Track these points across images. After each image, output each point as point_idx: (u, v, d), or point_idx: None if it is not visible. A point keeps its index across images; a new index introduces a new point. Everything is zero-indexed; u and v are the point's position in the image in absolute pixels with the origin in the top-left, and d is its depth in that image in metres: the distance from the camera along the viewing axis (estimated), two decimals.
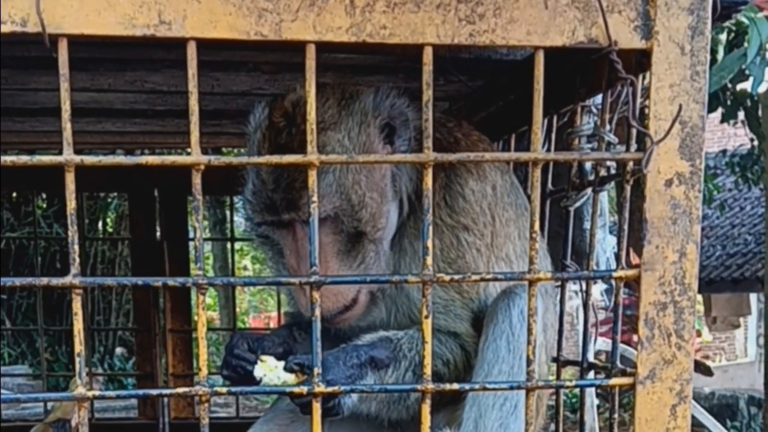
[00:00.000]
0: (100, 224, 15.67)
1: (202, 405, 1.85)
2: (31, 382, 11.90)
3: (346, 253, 2.52)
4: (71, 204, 1.75)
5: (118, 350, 15.83)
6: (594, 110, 2.78)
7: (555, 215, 3.00)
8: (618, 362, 2.19)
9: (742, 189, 17.04)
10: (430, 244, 1.87)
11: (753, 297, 21.62)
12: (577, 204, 2.80)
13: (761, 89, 7.49)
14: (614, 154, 2.33)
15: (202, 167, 1.78)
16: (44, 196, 13.57)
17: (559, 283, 2.92)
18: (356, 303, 2.59)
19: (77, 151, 1.75)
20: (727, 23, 6.25)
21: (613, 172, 2.63)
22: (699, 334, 22.89)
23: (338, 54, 2.78)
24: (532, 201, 1.91)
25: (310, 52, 1.80)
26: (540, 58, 1.87)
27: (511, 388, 2.19)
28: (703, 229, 1.98)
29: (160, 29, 1.76)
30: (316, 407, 1.90)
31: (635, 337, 2.00)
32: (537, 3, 1.85)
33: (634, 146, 2.15)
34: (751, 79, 6.82)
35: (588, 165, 2.96)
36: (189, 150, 1.79)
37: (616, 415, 2.45)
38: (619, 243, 2.20)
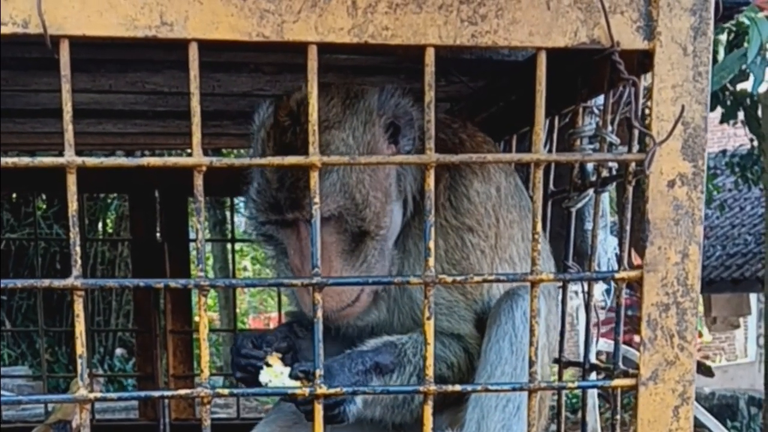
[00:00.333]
0: (100, 225, 15.67)
1: (204, 407, 1.85)
2: (32, 383, 11.89)
3: (349, 253, 2.52)
4: (73, 205, 1.75)
5: (119, 351, 15.83)
6: (596, 111, 2.77)
7: (556, 216, 3.00)
8: (620, 363, 2.19)
9: (742, 189, 17.04)
10: (432, 245, 1.87)
11: (753, 297, 21.63)
12: (579, 205, 2.80)
13: (761, 89, 7.49)
14: (616, 155, 2.32)
15: (204, 169, 1.78)
16: (44, 197, 13.57)
17: (561, 285, 2.91)
18: (358, 300, 2.59)
19: (78, 152, 1.75)
20: (727, 23, 6.25)
21: (614, 173, 2.63)
22: (700, 334, 22.88)
23: (340, 55, 2.78)
24: (534, 202, 1.91)
25: (312, 53, 1.80)
26: (542, 59, 1.87)
27: (514, 389, 2.18)
28: (703, 229, 1.97)
29: (161, 30, 1.76)
30: (318, 409, 1.89)
31: (636, 338, 2.00)
32: (539, 4, 1.85)
33: (636, 147, 2.14)
34: (751, 79, 6.81)
35: (590, 166, 2.96)
36: (190, 151, 1.78)
37: (618, 416, 2.45)
38: (620, 244, 2.19)
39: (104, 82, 3.28)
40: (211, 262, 18.02)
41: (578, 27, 1.87)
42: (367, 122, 2.52)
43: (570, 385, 2.15)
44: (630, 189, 2.11)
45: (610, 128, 2.53)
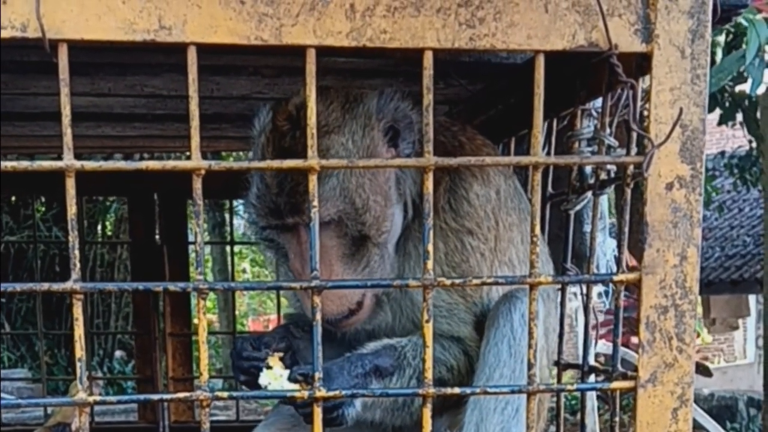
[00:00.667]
0: (99, 228, 15.66)
1: (203, 409, 1.85)
2: (31, 386, 11.86)
3: (350, 257, 2.51)
4: (72, 209, 1.75)
5: (118, 353, 15.81)
6: (594, 114, 2.78)
7: (555, 218, 3.00)
8: (619, 365, 2.19)
9: (741, 190, 17.01)
10: (430, 248, 1.87)
11: (752, 298, 21.62)
12: (578, 207, 2.80)
13: (760, 91, 7.50)
14: (614, 157, 2.33)
15: (203, 172, 1.78)
16: (43, 199, 13.56)
17: (560, 287, 2.92)
18: (361, 307, 2.58)
19: (77, 156, 1.75)
20: (725, 25, 6.25)
21: (613, 175, 2.63)
22: (698, 335, 22.88)
23: (338, 58, 2.78)
24: (533, 204, 1.91)
25: (311, 57, 1.80)
26: (540, 62, 1.87)
27: (513, 392, 2.19)
28: (701, 230, 1.98)
29: (160, 34, 1.76)
30: (318, 412, 1.90)
31: (634, 339, 2.00)
32: (537, 7, 1.85)
33: (634, 150, 2.14)
34: (749, 80, 6.82)
35: (588, 168, 2.96)
36: (188, 154, 1.78)
37: (617, 418, 2.45)
38: (619, 246, 2.20)
39: (103, 85, 3.28)
40: (210, 264, 18.02)
41: (576, 30, 1.87)
42: (366, 126, 2.52)
43: (569, 387, 2.16)
44: (628, 191, 2.11)
45: (608, 131, 2.53)
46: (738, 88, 8.96)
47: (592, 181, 2.69)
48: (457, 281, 2.09)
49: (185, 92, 1.77)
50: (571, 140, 2.73)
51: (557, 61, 2.00)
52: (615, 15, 1.87)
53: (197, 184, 1.78)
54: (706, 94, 1.92)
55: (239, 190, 2.65)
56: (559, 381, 2.90)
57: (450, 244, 2.62)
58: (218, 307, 18.74)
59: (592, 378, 2.70)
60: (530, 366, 1.95)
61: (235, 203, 6.00)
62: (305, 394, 1.92)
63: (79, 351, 1.80)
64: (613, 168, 2.63)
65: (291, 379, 2.35)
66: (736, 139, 17.70)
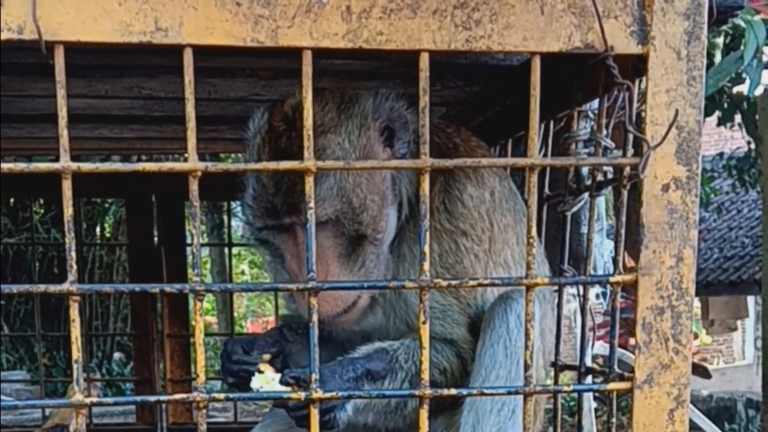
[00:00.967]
0: (97, 229, 15.66)
1: (200, 411, 1.85)
2: (29, 388, 11.86)
3: (346, 257, 2.52)
4: (68, 211, 1.75)
5: (116, 355, 15.80)
6: (591, 115, 2.78)
7: (552, 220, 3.00)
8: (615, 366, 2.19)
9: (739, 192, 17.00)
10: (427, 249, 1.87)
11: (750, 300, 21.61)
12: (575, 209, 2.81)
13: (758, 92, 7.50)
14: (611, 159, 2.33)
15: (199, 174, 1.78)
16: (41, 201, 13.56)
17: (557, 289, 2.92)
18: (355, 306, 2.59)
19: (74, 158, 1.75)
20: (723, 27, 6.26)
21: (610, 176, 2.64)
22: (696, 336, 22.89)
23: (335, 60, 2.78)
24: (529, 206, 1.92)
25: (307, 59, 1.81)
26: (536, 64, 1.87)
27: (509, 393, 2.18)
28: (700, 232, 1.98)
29: (156, 36, 1.76)
30: (314, 413, 1.90)
31: (632, 341, 2.00)
32: (533, 9, 1.85)
33: (630, 151, 2.14)
34: (747, 81, 6.81)
35: (585, 170, 2.96)
36: (186, 155, 1.79)
37: (614, 419, 2.45)
38: (616, 247, 2.20)
39: (100, 87, 3.28)
40: (208, 266, 18.01)
41: (572, 32, 1.87)
42: (362, 126, 2.52)
43: (565, 388, 2.16)
44: (625, 193, 2.11)
45: (604, 132, 2.54)
46: (736, 90, 8.96)
47: (588, 182, 2.69)
48: (454, 282, 2.09)
49: (182, 94, 1.77)
50: (567, 142, 2.73)
51: (554, 62, 2.01)
52: (611, 17, 1.88)
53: (194, 186, 1.79)
54: (701, 96, 1.92)
55: (237, 192, 2.65)
56: (556, 382, 2.90)
57: (444, 245, 2.62)
58: (217, 309, 18.73)
59: (589, 379, 2.70)
60: (527, 367, 1.95)
61: (233, 205, 6.00)
62: (302, 395, 1.92)
63: (76, 352, 1.80)
64: (609, 169, 2.63)
65: (282, 382, 2.35)
66: (734, 140, 17.68)
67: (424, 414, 1.92)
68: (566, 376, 3.08)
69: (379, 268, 2.58)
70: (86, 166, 1.76)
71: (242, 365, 2.55)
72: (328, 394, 1.94)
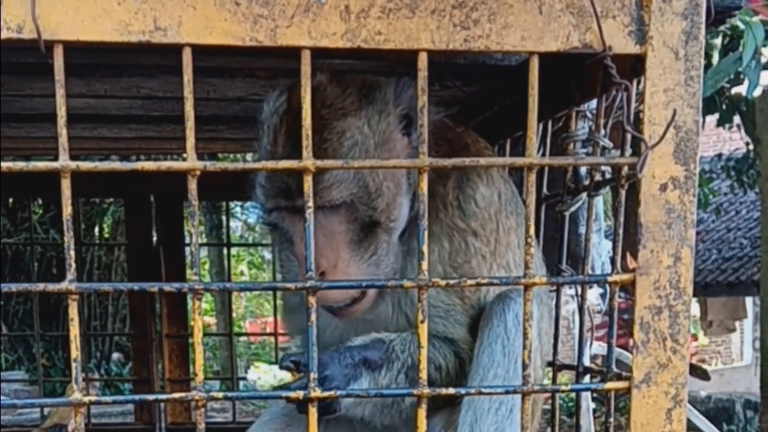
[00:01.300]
0: (96, 230, 15.66)
1: (199, 410, 1.85)
2: (28, 388, 11.86)
3: (358, 243, 2.50)
4: (67, 210, 1.75)
5: (115, 356, 15.82)
6: (589, 115, 2.78)
7: (550, 220, 3.01)
8: (613, 366, 2.19)
9: (738, 193, 17.00)
10: (425, 248, 1.87)
11: (749, 301, 21.62)
12: (573, 209, 2.81)
13: (757, 93, 7.51)
14: (609, 158, 2.33)
15: (198, 173, 1.78)
16: (40, 201, 13.56)
17: (555, 288, 2.92)
18: (365, 295, 2.57)
19: (73, 157, 1.75)
20: (722, 27, 6.26)
21: (608, 176, 2.64)
22: (695, 337, 22.90)
23: (333, 60, 2.78)
24: (528, 206, 1.92)
25: (306, 58, 1.81)
26: (535, 64, 1.87)
27: (507, 392, 2.19)
28: (698, 233, 1.98)
29: (155, 35, 1.76)
30: (313, 412, 1.90)
31: (631, 341, 2.00)
32: (531, 8, 1.85)
33: (628, 151, 2.15)
34: (746, 82, 6.82)
35: (583, 170, 2.96)
36: (185, 155, 1.79)
37: (611, 419, 2.46)
38: (614, 247, 2.20)
39: (99, 87, 3.28)
40: (207, 266, 18.01)
41: (570, 31, 1.87)
42: (382, 112, 2.52)
43: (563, 387, 2.16)
44: (623, 193, 2.12)
45: (603, 132, 2.54)
46: (735, 91, 8.96)
47: (586, 182, 2.69)
48: (452, 282, 2.09)
49: (181, 94, 1.77)
50: (565, 142, 2.74)
51: (552, 62, 2.01)
52: (609, 17, 1.88)
53: (193, 185, 1.79)
54: (699, 96, 1.93)
55: (235, 192, 2.64)
56: (554, 382, 2.90)
57: (455, 243, 2.62)
58: (215, 310, 18.73)
59: (587, 379, 2.71)
60: (525, 366, 1.95)
61: (231, 205, 6.00)
62: (301, 394, 1.92)
63: (75, 351, 1.80)
64: (607, 169, 2.64)
65: (282, 366, 2.35)
66: (733, 141, 17.70)
67: (422, 413, 1.92)
68: (564, 377, 3.08)
69: (389, 257, 2.56)
70: (85, 165, 1.76)
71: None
72: (326, 393, 1.94)
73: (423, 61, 1.84)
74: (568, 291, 3.30)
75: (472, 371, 2.53)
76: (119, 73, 3.14)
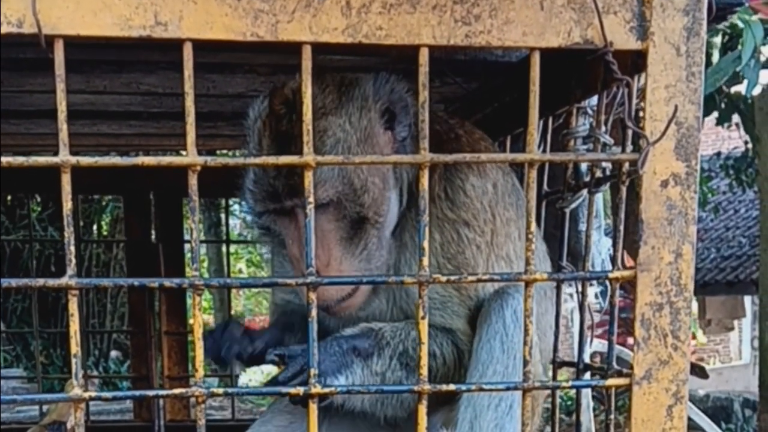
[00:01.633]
0: (95, 227, 15.66)
1: (199, 406, 1.85)
2: (26, 385, 11.88)
3: (348, 240, 2.50)
4: (67, 205, 1.75)
5: (113, 353, 15.82)
6: (589, 111, 2.78)
7: (551, 217, 3.00)
8: (614, 363, 2.19)
9: (737, 192, 17.04)
10: (426, 245, 1.87)
11: (747, 299, 21.66)
12: (573, 205, 2.81)
13: (756, 92, 7.51)
14: (610, 155, 2.33)
15: (199, 168, 1.78)
16: (39, 199, 13.57)
17: (555, 286, 2.92)
18: (357, 290, 2.57)
19: (72, 154, 1.74)
20: (721, 26, 6.26)
21: (608, 173, 2.63)
22: (694, 336, 22.90)
23: (334, 55, 2.78)
24: (528, 202, 1.92)
25: (306, 53, 1.81)
26: (536, 60, 1.87)
27: (507, 388, 2.18)
28: (697, 231, 1.98)
29: (156, 30, 1.76)
30: (313, 408, 1.90)
31: (630, 340, 2.00)
32: (533, 4, 1.85)
33: (629, 147, 2.14)
34: (745, 81, 6.82)
35: (584, 166, 2.96)
36: (184, 152, 1.79)
37: (612, 417, 2.45)
38: (614, 244, 2.20)
39: (99, 83, 3.28)
40: (206, 264, 18.02)
41: (572, 27, 1.87)
42: (362, 108, 2.51)
43: (564, 384, 2.15)
44: (624, 189, 2.11)
45: (603, 128, 2.53)
46: (734, 89, 8.96)
47: (587, 179, 2.69)
48: (453, 278, 2.08)
49: (181, 90, 1.77)
50: (566, 138, 2.73)
51: (553, 58, 2.00)
52: (610, 12, 1.88)
53: (193, 181, 1.78)
54: (701, 92, 1.92)
55: (235, 188, 2.64)
56: (554, 379, 2.90)
57: (446, 234, 2.62)
58: (214, 308, 18.74)
59: (587, 376, 2.70)
60: (525, 363, 1.95)
61: (230, 202, 6.00)
62: (301, 390, 1.92)
63: (75, 347, 1.80)
64: (608, 166, 2.63)
65: (267, 361, 2.36)
66: (731, 140, 17.73)
67: (422, 410, 1.92)
68: (563, 375, 3.08)
69: (381, 252, 2.56)
70: (85, 160, 1.76)
71: (234, 344, 2.57)
72: (326, 390, 1.93)
73: (424, 56, 1.83)
74: (566, 290, 3.29)
75: (471, 367, 2.53)
76: (119, 70, 3.14)
